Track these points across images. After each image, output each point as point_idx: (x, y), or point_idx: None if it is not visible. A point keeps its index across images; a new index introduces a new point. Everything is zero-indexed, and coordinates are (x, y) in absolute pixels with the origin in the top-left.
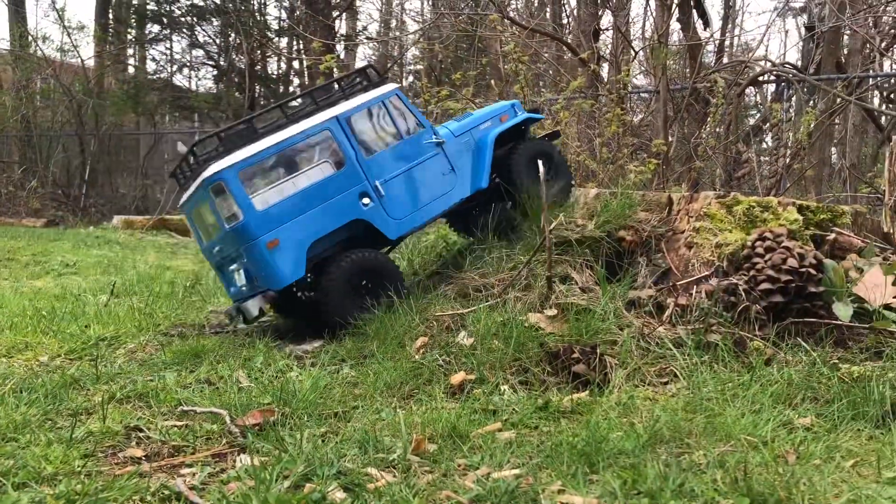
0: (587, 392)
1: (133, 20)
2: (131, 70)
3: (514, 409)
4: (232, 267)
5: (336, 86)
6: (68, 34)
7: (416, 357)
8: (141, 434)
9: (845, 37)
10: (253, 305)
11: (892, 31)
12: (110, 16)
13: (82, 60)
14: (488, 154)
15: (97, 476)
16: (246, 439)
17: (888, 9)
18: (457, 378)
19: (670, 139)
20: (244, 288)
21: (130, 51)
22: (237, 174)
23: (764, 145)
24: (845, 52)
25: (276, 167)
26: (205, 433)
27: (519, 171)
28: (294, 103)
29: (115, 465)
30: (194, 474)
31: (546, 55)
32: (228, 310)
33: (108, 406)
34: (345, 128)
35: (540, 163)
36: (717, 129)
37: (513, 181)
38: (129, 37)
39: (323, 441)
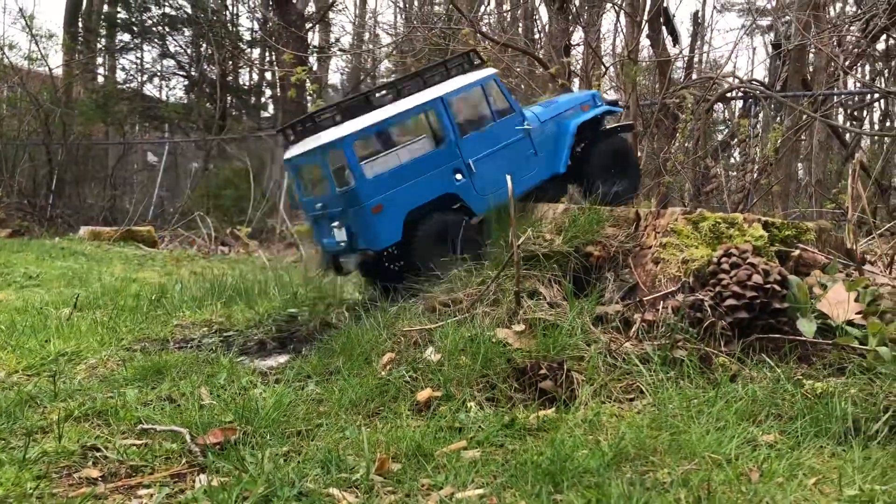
0: (554, 409)
1: (103, 29)
2: (101, 79)
3: (480, 427)
4: (334, 224)
5: (443, 67)
6: (36, 42)
7: (383, 373)
8: (98, 454)
9: (811, 55)
10: (349, 261)
11: (856, 49)
12: (80, 24)
13: (50, 69)
14: (569, 141)
15: (50, 498)
16: (206, 459)
17: (851, 28)
18: (423, 395)
19: (640, 154)
20: (342, 244)
21: (100, 60)
22: (352, 143)
23: (732, 160)
24: (811, 69)
25: (384, 139)
26: (164, 452)
27: (593, 166)
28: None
29: (69, 486)
30: (152, 496)
31: (518, 69)
32: (321, 261)
33: (65, 424)
34: (447, 107)
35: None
36: (686, 145)
37: (586, 174)
38: (99, 46)
39: (285, 460)
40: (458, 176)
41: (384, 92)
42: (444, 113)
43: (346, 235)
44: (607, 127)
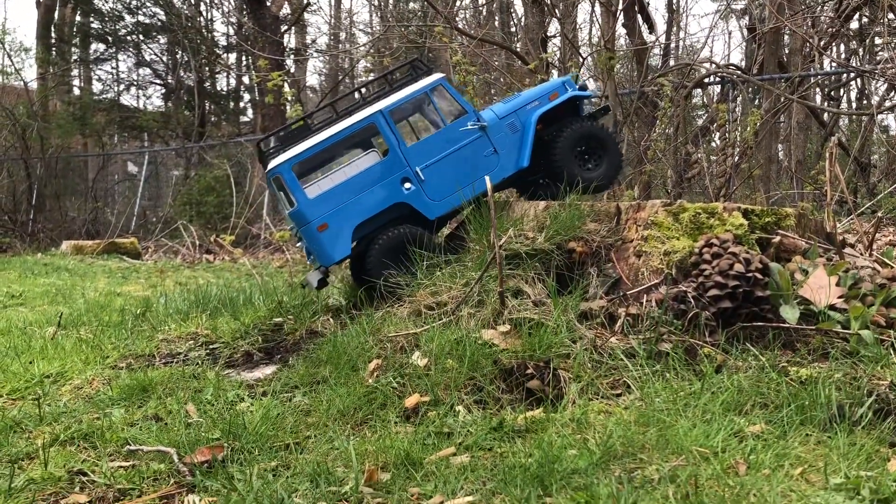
0: (541, 408)
1: (76, 40)
2: (77, 91)
3: (468, 431)
4: (297, 244)
5: (385, 80)
6: (9, 56)
7: (370, 381)
8: (85, 478)
9: (786, 37)
10: (312, 278)
11: (830, 30)
12: (52, 36)
13: (25, 83)
14: (530, 134)
15: None
16: (194, 478)
17: (825, 9)
18: (411, 401)
19: (620, 143)
20: (309, 259)
21: (75, 71)
22: (290, 168)
23: (713, 145)
24: (786, 51)
25: (327, 159)
26: (152, 473)
27: (561, 156)
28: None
29: None
30: None
31: (496, 63)
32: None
33: (51, 449)
34: (388, 119)
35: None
36: (666, 132)
37: (553, 165)
38: (74, 57)
39: (274, 475)
40: (407, 185)
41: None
42: (386, 125)
43: (307, 254)
44: (587, 113)
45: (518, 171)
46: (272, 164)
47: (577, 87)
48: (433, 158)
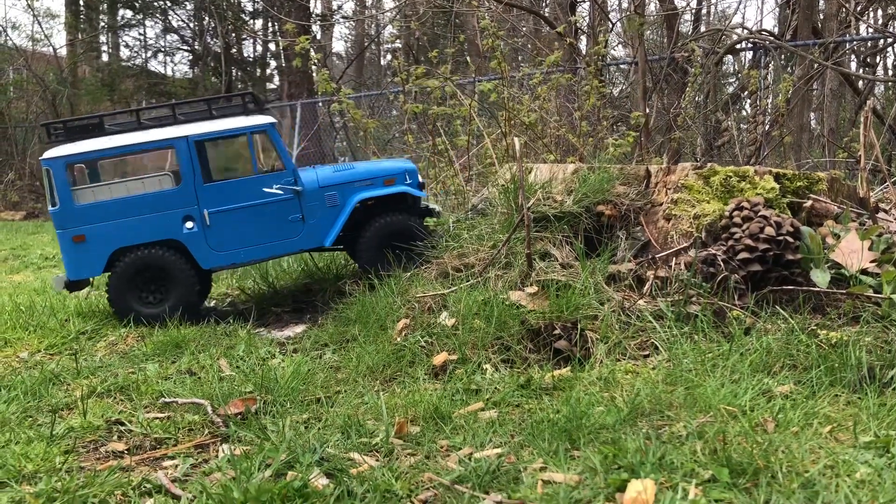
0: (569, 368)
1: (104, 6)
2: (105, 57)
3: (496, 388)
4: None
5: (206, 104)
6: (38, 23)
7: (398, 339)
8: (122, 427)
9: (821, 2)
10: (57, 282)
11: None
12: (80, 2)
13: (54, 49)
14: (343, 217)
15: (78, 472)
16: (228, 429)
17: None
18: (439, 359)
19: (649, 110)
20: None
21: (103, 38)
22: (65, 165)
23: (743, 113)
24: (821, 17)
25: (113, 168)
26: (187, 424)
27: (365, 247)
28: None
29: (96, 460)
30: (176, 466)
31: (524, 29)
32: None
33: (88, 400)
34: (191, 149)
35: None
36: (696, 99)
37: (356, 254)
38: (102, 23)
39: (306, 427)
40: (190, 224)
41: (126, 118)
42: (188, 154)
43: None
44: (425, 206)
45: (317, 248)
46: (47, 154)
47: (419, 183)
48: (228, 206)
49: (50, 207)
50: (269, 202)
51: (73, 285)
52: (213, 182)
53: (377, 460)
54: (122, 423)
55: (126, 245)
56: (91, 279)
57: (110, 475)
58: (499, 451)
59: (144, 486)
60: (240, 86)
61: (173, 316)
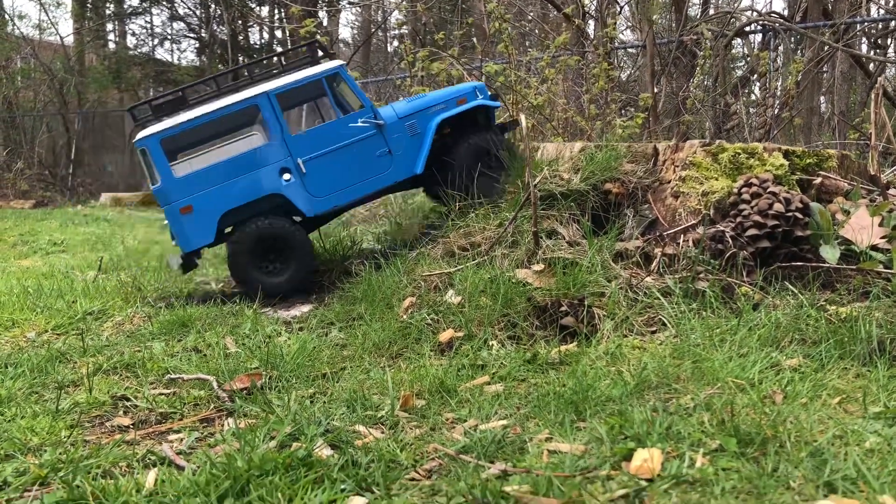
0: (575, 343)
1: None
2: (112, 46)
3: (502, 363)
4: (164, 222)
5: (277, 59)
6: (45, 11)
7: (404, 317)
8: (128, 403)
9: None
10: (173, 261)
11: None
12: None
13: (61, 38)
14: (428, 140)
15: (83, 445)
16: (234, 403)
17: None
18: (445, 335)
19: (658, 93)
20: (173, 241)
21: (110, 26)
22: (159, 142)
23: (752, 97)
24: None
25: (202, 137)
26: (192, 399)
27: (458, 164)
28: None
29: (101, 433)
30: (182, 440)
31: (531, 13)
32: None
33: (94, 377)
34: (273, 103)
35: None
36: (705, 82)
37: (447, 172)
38: (108, 11)
39: (311, 402)
40: (287, 176)
41: (203, 89)
42: (271, 109)
43: (170, 233)
44: (499, 123)
45: (410, 178)
46: (140, 135)
47: (490, 95)
48: (319, 151)
49: (151, 186)
50: (355, 141)
51: (187, 262)
52: (301, 130)
53: (382, 432)
54: (128, 399)
55: (232, 207)
56: (201, 251)
57: (115, 447)
58: (504, 422)
59: (149, 458)
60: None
61: (294, 284)
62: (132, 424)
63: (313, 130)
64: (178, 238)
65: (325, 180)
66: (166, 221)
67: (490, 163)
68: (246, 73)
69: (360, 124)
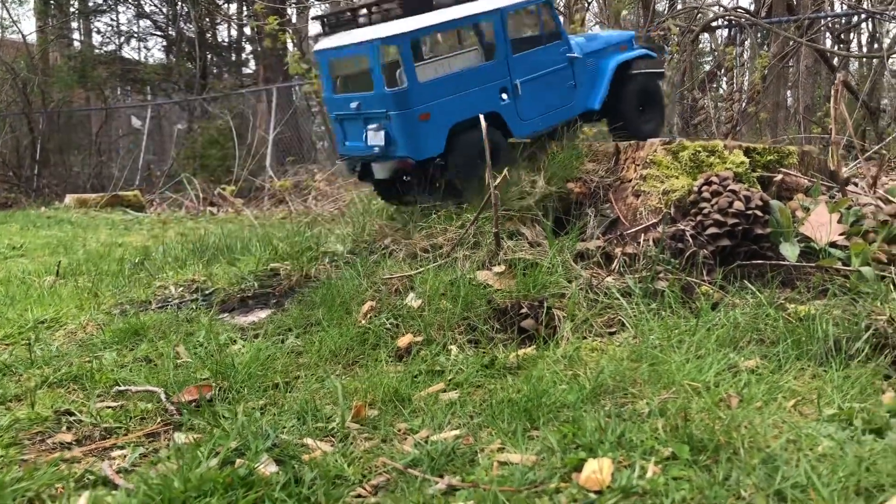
0: (534, 346)
1: None
2: (77, 44)
3: (459, 369)
4: (371, 126)
5: None
6: (6, 8)
7: (363, 322)
8: (72, 418)
9: None
10: (382, 168)
11: None
12: None
13: (24, 36)
14: (607, 79)
15: (18, 465)
16: (181, 417)
17: None
18: (403, 341)
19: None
20: (376, 149)
21: (74, 24)
22: (410, 41)
23: (720, 91)
24: None
25: (439, 43)
26: (139, 413)
27: (625, 106)
28: None
29: (41, 451)
30: (125, 457)
31: None
32: (348, 164)
33: (39, 391)
34: (505, 21)
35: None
36: (673, 77)
37: (619, 112)
38: (72, 9)
39: (261, 414)
40: (504, 96)
41: None
42: (501, 26)
43: (384, 140)
44: (640, 71)
45: (583, 113)
46: (391, 29)
47: (643, 46)
48: (531, 75)
49: (387, 89)
50: (555, 70)
51: (365, 171)
52: (519, 52)
53: (332, 445)
54: (72, 414)
55: (460, 120)
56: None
57: (51, 467)
58: (456, 432)
59: (87, 479)
60: (215, 71)
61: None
62: (75, 441)
63: (530, 53)
64: (405, 145)
65: (532, 104)
66: (373, 126)
67: (652, 102)
68: None
69: (569, 55)
